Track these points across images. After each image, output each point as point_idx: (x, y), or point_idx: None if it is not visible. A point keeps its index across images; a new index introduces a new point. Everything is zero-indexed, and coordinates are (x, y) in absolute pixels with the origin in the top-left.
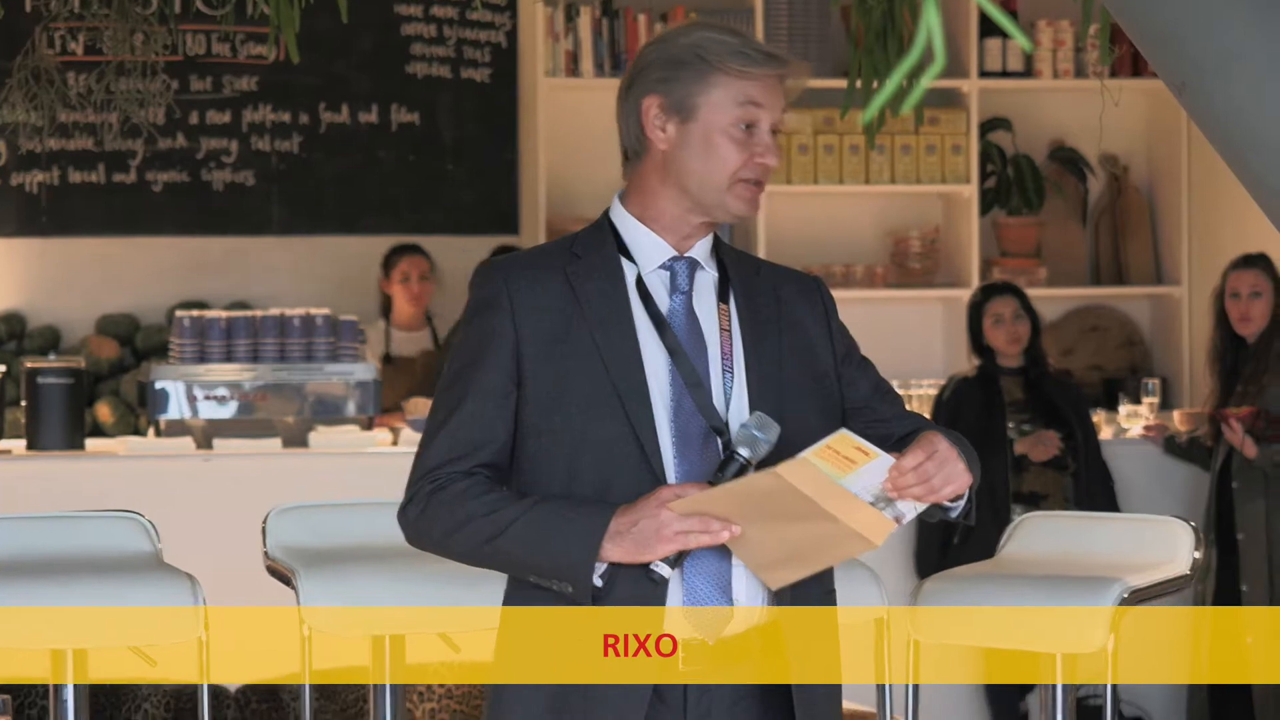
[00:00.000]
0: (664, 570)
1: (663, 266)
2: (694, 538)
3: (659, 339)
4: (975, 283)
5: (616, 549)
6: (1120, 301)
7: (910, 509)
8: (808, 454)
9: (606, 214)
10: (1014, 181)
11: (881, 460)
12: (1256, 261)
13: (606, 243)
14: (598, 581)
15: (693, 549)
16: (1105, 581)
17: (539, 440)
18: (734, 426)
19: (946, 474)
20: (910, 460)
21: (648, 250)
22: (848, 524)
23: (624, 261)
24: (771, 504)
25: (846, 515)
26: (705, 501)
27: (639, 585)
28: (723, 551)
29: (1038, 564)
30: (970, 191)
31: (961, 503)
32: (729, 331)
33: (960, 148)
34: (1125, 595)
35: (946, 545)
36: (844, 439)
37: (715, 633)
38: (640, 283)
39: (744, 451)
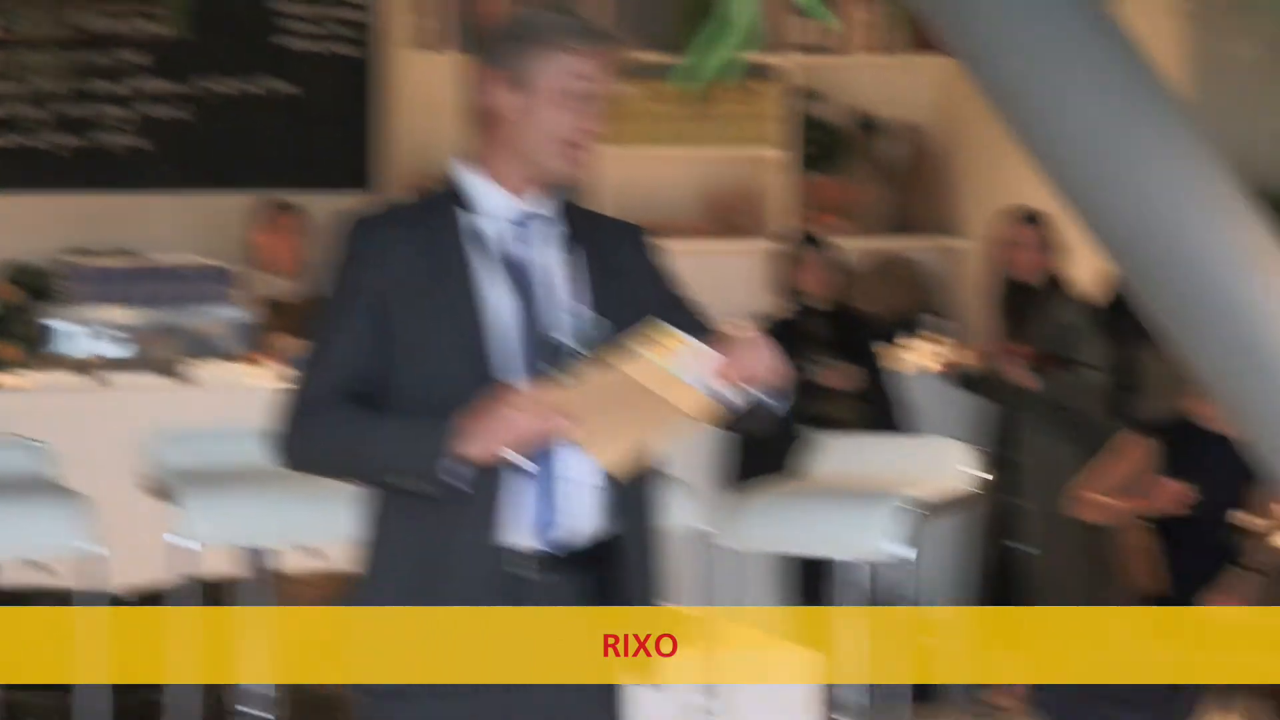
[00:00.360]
0: (519, 460)
1: (511, 221)
2: (538, 430)
3: (509, 288)
4: (789, 236)
5: (466, 444)
6: (915, 251)
7: (732, 393)
8: (634, 346)
9: (456, 174)
10: (824, 145)
11: (702, 348)
12: (1032, 216)
13: (459, 200)
14: (459, 484)
15: (537, 451)
16: (895, 496)
17: (400, 380)
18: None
19: (761, 359)
20: (728, 346)
21: (496, 206)
22: (677, 407)
23: (475, 217)
24: (607, 395)
25: (676, 399)
26: (546, 398)
27: (489, 487)
28: (558, 467)
29: (833, 481)
30: (784, 155)
31: (780, 399)
32: (573, 280)
33: (775, 116)
34: (911, 508)
35: (750, 463)
36: (663, 331)
37: (557, 543)
38: (489, 236)
39: (577, 350)
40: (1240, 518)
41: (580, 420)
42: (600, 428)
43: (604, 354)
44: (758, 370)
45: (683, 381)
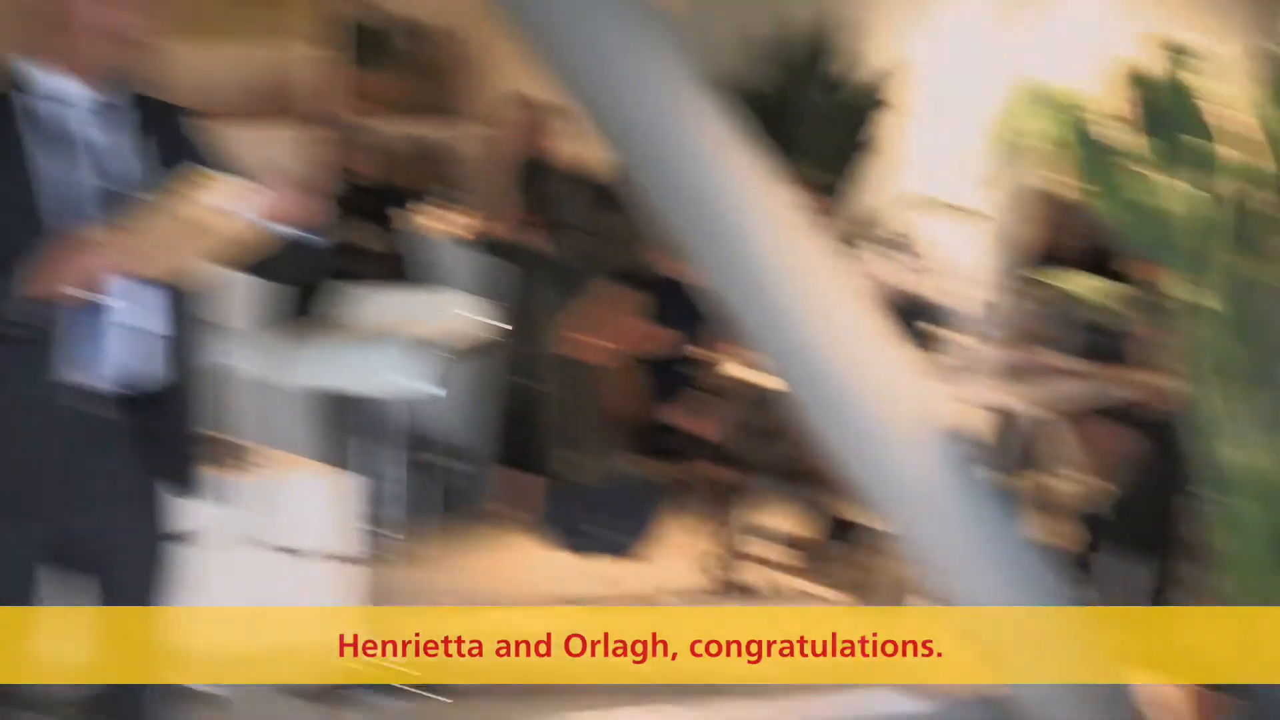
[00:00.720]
0: (85, 296)
1: (83, 107)
2: (97, 267)
3: (83, 168)
4: (337, 122)
5: (34, 286)
6: (445, 136)
7: (271, 224)
8: (181, 188)
9: (24, 67)
10: (369, 46)
11: (241, 184)
12: (541, 104)
13: (27, 89)
14: (32, 322)
15: (99, 287)
16: (426, 341)
17: None
18: None
19: (294, 196)
20: (266, 185)
21: (67, 94)
22: (224, 236)
23: (45, 104)
24: (160, 232)
25: (222, 230)
26: (103, 239)
27: (58, 330)
28: (122, 314)
29: (372, 329)
30: (333, 53)
31: (316, 234)
32: (141, 159)
33: (324, 18)
34: (441, 352)
35: (292, 310)
36: (199, 173)
37: (123, 384)
38: (57, 119)
39: (132, 196)
40: (698, 352)
41: (137, 256)
42: (156, 261)
43: (155, 198)
44: (292, 206)
45: (227, 214)
